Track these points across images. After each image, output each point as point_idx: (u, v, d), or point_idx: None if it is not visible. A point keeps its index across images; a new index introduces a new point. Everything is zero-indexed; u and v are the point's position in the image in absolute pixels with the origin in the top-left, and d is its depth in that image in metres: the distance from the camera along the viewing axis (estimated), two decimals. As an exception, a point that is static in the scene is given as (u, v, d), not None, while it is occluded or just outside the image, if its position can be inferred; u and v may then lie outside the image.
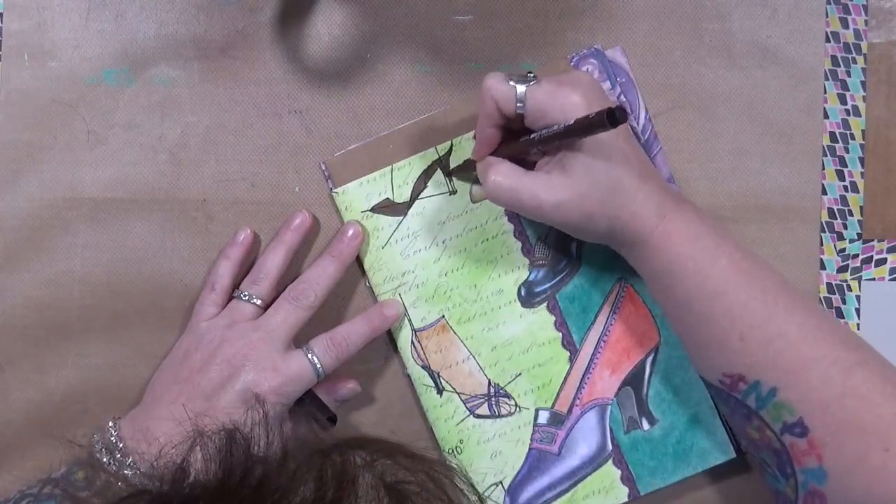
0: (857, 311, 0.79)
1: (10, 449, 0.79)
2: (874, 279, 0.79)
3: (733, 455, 0.76)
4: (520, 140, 0.70)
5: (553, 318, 0.78)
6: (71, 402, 0.79)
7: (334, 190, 0.78)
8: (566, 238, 0.77)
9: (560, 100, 0.68)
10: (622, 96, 0.78)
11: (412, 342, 0.78)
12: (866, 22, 0.80)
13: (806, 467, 0.65)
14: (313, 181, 0.79)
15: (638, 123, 0.78)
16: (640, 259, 0.71)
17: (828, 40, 0.80)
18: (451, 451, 0.77)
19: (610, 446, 0.77)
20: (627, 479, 0.77)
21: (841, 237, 0.79)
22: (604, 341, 0.78)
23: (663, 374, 0.77)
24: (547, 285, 0.78)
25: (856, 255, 0.79)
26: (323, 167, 0.79)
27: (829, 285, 0.79)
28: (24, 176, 0.79)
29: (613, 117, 0.61)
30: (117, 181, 0.79)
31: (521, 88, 0.68)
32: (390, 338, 0.79)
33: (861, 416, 0.64)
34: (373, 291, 0.78)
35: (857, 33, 0.80)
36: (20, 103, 0.79)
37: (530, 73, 0.70)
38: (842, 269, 0.79)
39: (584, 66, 0.78)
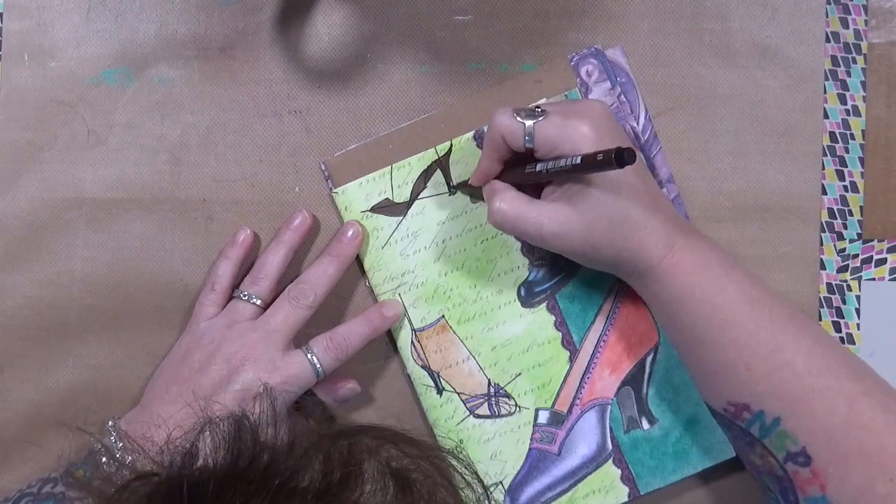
0: (857, 311, 0.79)
1: (9, 449, 0.79)
2: (874, 279, 0.79)
3: (733, 454, 0.76)
4: (525, 169, 0.70)
5: (553, 318, 0.78)
6: (71, 402, 0.79)
7: (334, 190, 0.78)
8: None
9: (569, 132, 0.67)
10: (622, 96, 0.78)
11: (412, 342, 0.78)
12: (866, 22, 0.80)
13: (809, 496, 0.65)
14: (313, 181, 0.79)
15: (638, 123, 0.78)
16: (648, 288, 0.70)
17: (828, 40, 0.80)
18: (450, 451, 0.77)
19: (610, 446, 0.77)
20: (627, 479, 0.77)
21: (841, 237, 0.79)
22: (604, 341, 0.78)
23: (663, 373, 0.77)
24: (547, 285, 0.78)
25: (856, 255, 0.79)
26: (323, 167, 0.79)
27: (829, 285, 0.79)
28: (24, 176, 0.79)
29: (621, 158, 0.61)
30: (117, 181, 0.79)
31: (529, 124, 0.68)
32: (390, 338, 0.79)
33: (865, 446, 0.64)
34: (373, 291, 0.78)
35: (857, 33, 0.80)
36: (20, 103, 0.79)
37: (538, 107, 0.69)
38: (842, 269, 0.79)
39: (584, 66, 0.78)
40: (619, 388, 0.77)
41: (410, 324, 0.78)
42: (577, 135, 0.67)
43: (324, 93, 0.79)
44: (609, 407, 0.77)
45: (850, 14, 0.80)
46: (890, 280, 0.79)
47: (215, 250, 0.78)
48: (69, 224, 0.79)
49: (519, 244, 0.78)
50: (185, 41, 0.79)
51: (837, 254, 0.79)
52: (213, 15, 0.79)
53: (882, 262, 0.79)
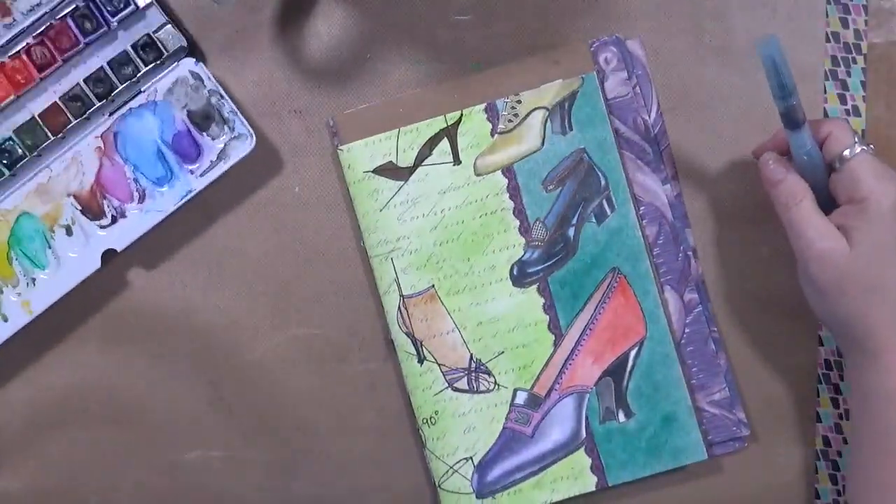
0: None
1: (10, 449, 0.79)
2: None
3: (705, 457, 0.77)
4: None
5: (542, 301, 0.78)
6: (70, 403, 0.79)
7: (339, 147, 0.78)
8: (565, 221, 0.78)
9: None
10: (637, 87, 0.78)
11: (399, 308, 0.78)
12: (866, 22, 0.79)
13: None
14: (313, 181, 0.79)
15: (649, 117, 0.79)
16: (862, 372, 0.68)
17: (828, 40, 0.79)
18: (425, 420, 0.78)
19: (584, 434, 0.77)
20: (597, 469, 0.77)
21: (840, 238, 0.79)
22: (590, 329, 0.78)
23: (645, 368, 0.77)
24: (540, 267, 0.78)
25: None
26: (331, 122, 0.79)
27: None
28: (24, 176, 0.79)
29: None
30: (118, 180, 0.79)
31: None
32: (388, 336, 0.79)
33: None
34: (366, 253, 0.79)
35: (857, 33, 0.79)
36: (23, 102, 0.78)
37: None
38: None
39: (603, 52, 0.78)
40: (599, 378, 0.77)
41: (399, 289, 0.78)
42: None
43: (324, 93, 0.79)
44: (587, 395, 0.77)
45: (850, 14, 0.79)
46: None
47: (215, 250, 0.79)
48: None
49: (518, 223, 0.78)
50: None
51: (836, 254, 0.78)
52: (213, 15, 0.78)
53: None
